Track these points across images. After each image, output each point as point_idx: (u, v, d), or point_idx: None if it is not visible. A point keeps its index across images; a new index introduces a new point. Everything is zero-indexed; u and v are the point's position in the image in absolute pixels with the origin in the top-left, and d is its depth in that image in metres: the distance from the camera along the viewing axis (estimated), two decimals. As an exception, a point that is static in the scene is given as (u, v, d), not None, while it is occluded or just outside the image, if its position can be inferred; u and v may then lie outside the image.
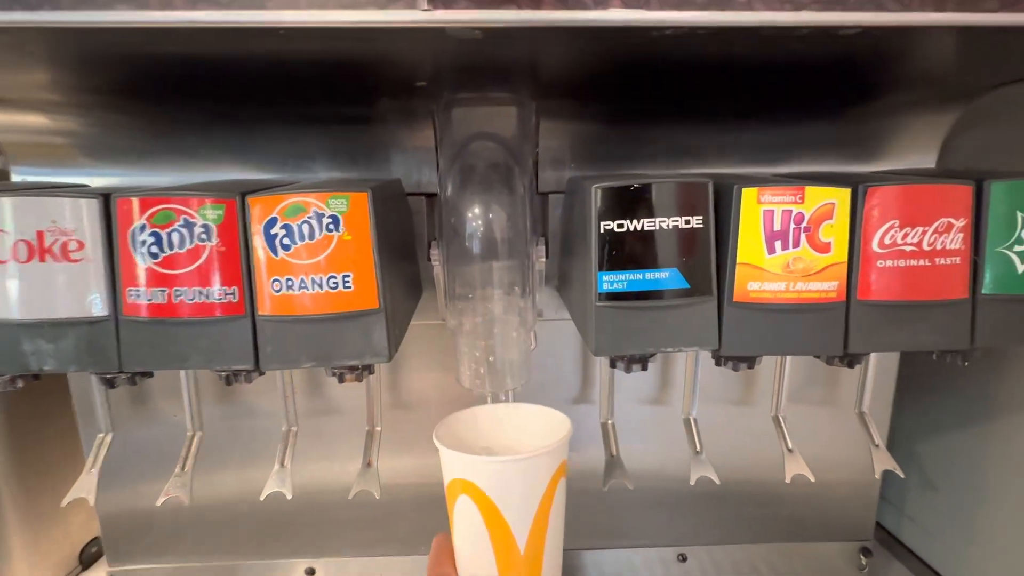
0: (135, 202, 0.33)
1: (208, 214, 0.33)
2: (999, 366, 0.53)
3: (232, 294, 0.34)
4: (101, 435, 0.50)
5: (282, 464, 0.49)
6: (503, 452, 0.41)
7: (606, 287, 0.35)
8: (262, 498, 0.47)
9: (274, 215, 0.34)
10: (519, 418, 0.44)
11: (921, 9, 0.27)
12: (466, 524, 0.37)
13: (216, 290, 0.34)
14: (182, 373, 0.48)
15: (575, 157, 0.51)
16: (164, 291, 0.34)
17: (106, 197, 0.34)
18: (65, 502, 0.49)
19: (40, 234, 0.33)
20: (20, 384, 0.40)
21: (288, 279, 0.34)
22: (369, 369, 0.40)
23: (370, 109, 0.49)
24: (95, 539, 0.74)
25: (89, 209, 0.34)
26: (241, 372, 0.37)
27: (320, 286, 0.34)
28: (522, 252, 0.42)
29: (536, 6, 0.26)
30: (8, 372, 0.35)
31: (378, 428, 0.51)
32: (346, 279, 0.34)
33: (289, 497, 0.48)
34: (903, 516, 0.65)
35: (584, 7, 0.26)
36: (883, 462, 0.51)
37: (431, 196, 0.53)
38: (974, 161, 0.51)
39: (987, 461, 0.55)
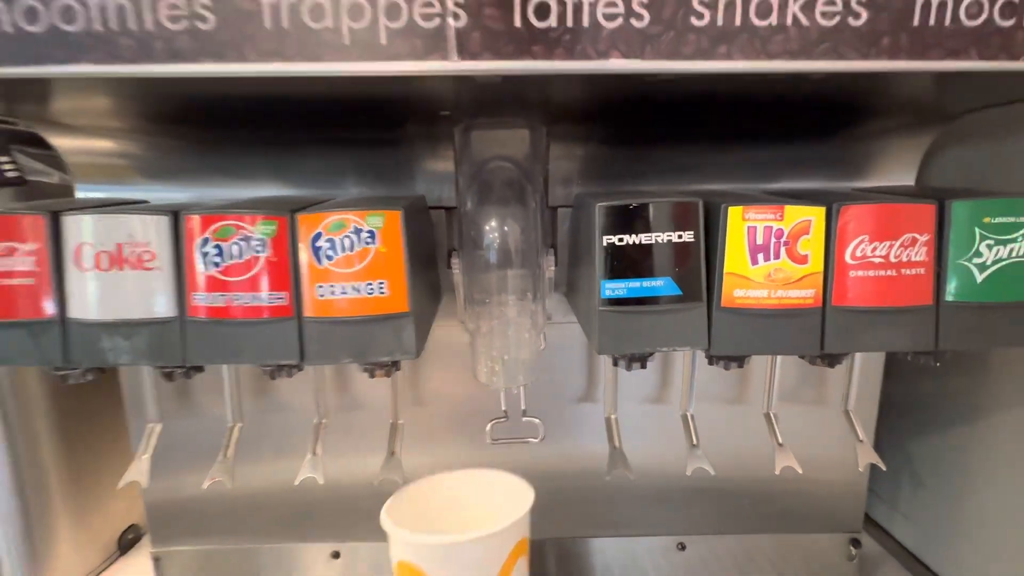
0: (200, 219, 0.39)
1: (263, 229, 0.39)
2: (981, 366, 0.57)
3: (282, 298, 0.39)
4: (152, 424, 0.55)
5: (314, 453, 0.54)
6: (461, 525, 0.38)
7: (608, 293, 0.40)
8: (296, 483, 0.52)
9: (319, 230, 0.39)
10: (481, 486, 0.42)
11: (877, 58, 0.31)
12: None
13: (268, 295, 0.39)
14: (225, 369, 0.54)
15: (582, 175, 0.56)
16: (224, 295, 0.39)
17: (175, 214, 0.39)
18: (121, 485, 0.54)
19: (119, 246, 0.39)
20: (90, 377, 0.45)
21: (331, 286, 0.39)
22: (396, 365, 0.45)
23: (397, 133, 0.54)
24: (132, 526, 0.80)
25: (161, 224, 0.39)
26: (286, 367, 0.42)
27: (358, 291, 0.39)
28: (534, 262, 0.47)
29: (548, 57, 0.31)
30: (89, 365, 0.40)
31: (401, 421, 0.56)
32: (381, 286, 0.39)
33: (321, 482, 0.53)
34: (893, 511, 0.69)
35: (588, 58, 0.31)
36: (867, 456, 0.55)
37: (450, 210, 0.58)
38: (950, 179, 0.56)
39: (972, 456, 0.59)
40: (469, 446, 0.61)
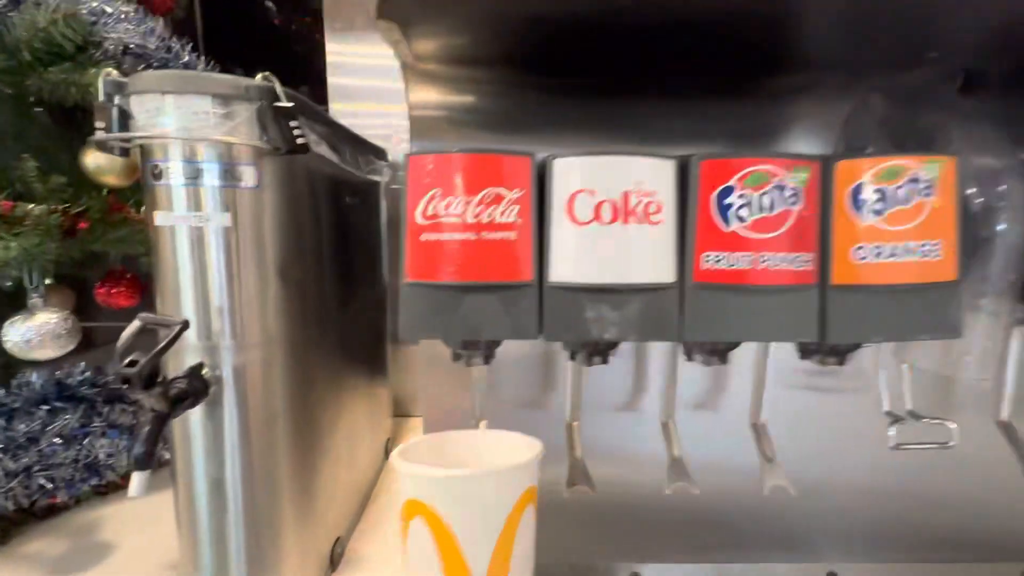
0: (725, 163, 0.32)
1: (796, 176, 0.32)
2: None
3: (808, 261, 0.33)
4: (480, 420, 0.49)
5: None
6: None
7: None
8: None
9: (865, 179, 0.32)
10: (492, 444, 0.38)
11: None
12: (416, 551, 0.34)
13: (796, 256, 0.32)
14: (566, 359, 0.46)
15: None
16: (748, 256, 0.32)
17: (681, 159, 0.33)
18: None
19: (625, 195, 0.32)
20: (485, 361, 0.38)
21: (876, 246, 0.32)
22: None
23: (764, 84, 0.48)
24: (338, 539, 0.72)
25: (670, 171, 0.32)
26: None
27: (910, 253, 0.32)
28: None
29: None
30: (567, 339, 0.34)
31: (763, 421, 0.49)
32: (936, 247, 0.32)
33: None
34: None
35: None
36: None
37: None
38: None
39: None
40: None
